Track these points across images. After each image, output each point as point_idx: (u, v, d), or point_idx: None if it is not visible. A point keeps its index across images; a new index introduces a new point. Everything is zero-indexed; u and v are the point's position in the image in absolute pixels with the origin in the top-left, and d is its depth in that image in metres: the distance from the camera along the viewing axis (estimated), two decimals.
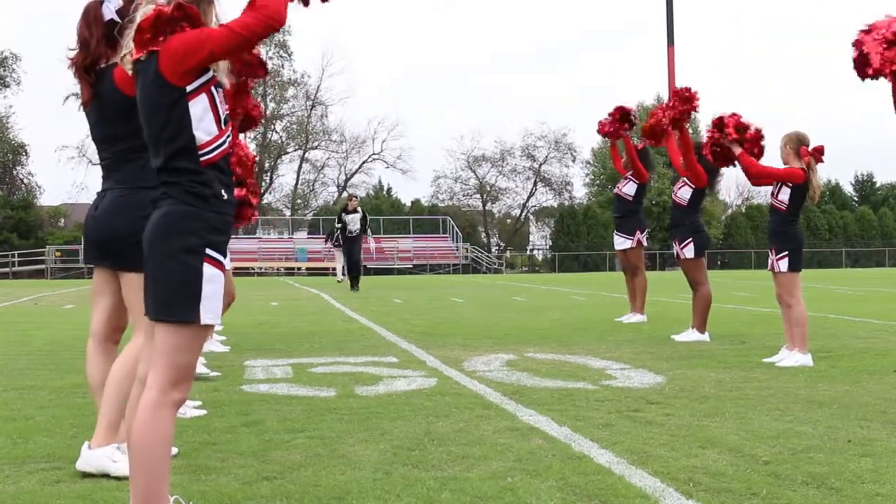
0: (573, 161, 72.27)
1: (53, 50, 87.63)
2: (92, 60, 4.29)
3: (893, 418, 5.41)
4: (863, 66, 5.26)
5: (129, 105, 4.08)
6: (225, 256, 3.22)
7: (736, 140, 8.02)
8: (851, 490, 3.85)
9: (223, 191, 3.19)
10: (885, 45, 5.16)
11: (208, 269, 3.13)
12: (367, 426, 5.28)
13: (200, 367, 7.07)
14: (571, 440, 4.85)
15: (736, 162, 8.16)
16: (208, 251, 3.13)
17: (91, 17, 4.33)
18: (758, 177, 8.06)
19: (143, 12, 3.19)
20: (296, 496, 3.83)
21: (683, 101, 9.47)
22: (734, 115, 8.16)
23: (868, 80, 5.32)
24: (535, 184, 72.86)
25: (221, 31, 3.08)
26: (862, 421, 5.33)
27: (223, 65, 3.31)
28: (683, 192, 10.11)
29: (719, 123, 8.13)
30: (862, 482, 3.96)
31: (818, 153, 7.90)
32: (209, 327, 3.22)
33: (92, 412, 5.70)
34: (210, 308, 3.15)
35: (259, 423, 5.37)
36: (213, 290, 3.15)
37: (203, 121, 3.16)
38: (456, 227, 60.29)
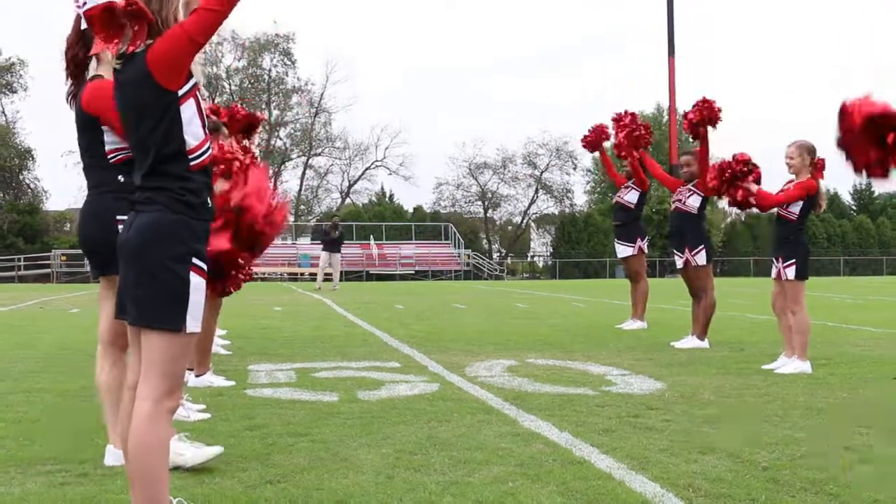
0: (574, 169, 72.41)
1: (60, 55, 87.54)
2: (74, 65, 4.53)
3: (891, 426, 5.46)
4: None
5: (89, 122, 4.41)
6: (207, 263, 3.27)
7: (748, 181, 8.17)
8: (849, 496, 3.89)
9: (209, 199, 3.25)
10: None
11: (194, 278, 3.18)
12: (370, 430, 5.32)
13: (218, 380, 7.12)
14: (572, 445, 4.89)
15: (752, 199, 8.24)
16: (195, 260, 3.18)
17: (77, 23, 4.40)
18: (780, 205, 8.08)
19: (88, 6, 3.25)
20: (299, 500, 3.87)
21: (707, 110, 9.56)
22: (737, 159, 8.27)
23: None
24: (536, 191, 72.86)
25: (193, 18, 3.11)
26: (860, 428, 5.36)
27: (199, 67, 3.34)
28: (693, 200, 10.12)
29: (728, 171, 8.25)
30: (860, 489, 4.00)
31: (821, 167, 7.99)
32: (195, 335, 3.25)
33: (97, 415, 5.77)
34: (195, 316, 3.19)
35: (262, 427, 5.41)
36: (197, 298, 3.19)
37: (192, 125, 3.21)
38: (458, 234, 60.33)
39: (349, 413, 5.88)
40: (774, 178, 8.41)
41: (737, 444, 4.92)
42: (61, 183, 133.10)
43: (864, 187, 79.01)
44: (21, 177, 62.17)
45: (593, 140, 12.95)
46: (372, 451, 4.77)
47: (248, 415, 5.83)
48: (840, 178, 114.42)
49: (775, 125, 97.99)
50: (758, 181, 8.21)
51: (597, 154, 13.54)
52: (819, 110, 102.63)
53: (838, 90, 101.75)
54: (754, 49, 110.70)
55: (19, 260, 51.59)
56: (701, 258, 10.00)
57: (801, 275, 8.00)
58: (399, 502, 3.85)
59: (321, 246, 29.80)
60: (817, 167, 7.96)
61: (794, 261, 7.99)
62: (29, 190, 62.50)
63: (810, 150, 7.98)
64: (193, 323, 3.17)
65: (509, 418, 5.70)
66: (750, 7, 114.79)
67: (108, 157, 4.42)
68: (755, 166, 8.23)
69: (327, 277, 29.60)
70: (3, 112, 62.51)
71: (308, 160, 71.45)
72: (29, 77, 63.01)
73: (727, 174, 8.23)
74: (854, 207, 78.91)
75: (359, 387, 7.00)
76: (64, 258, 51.86)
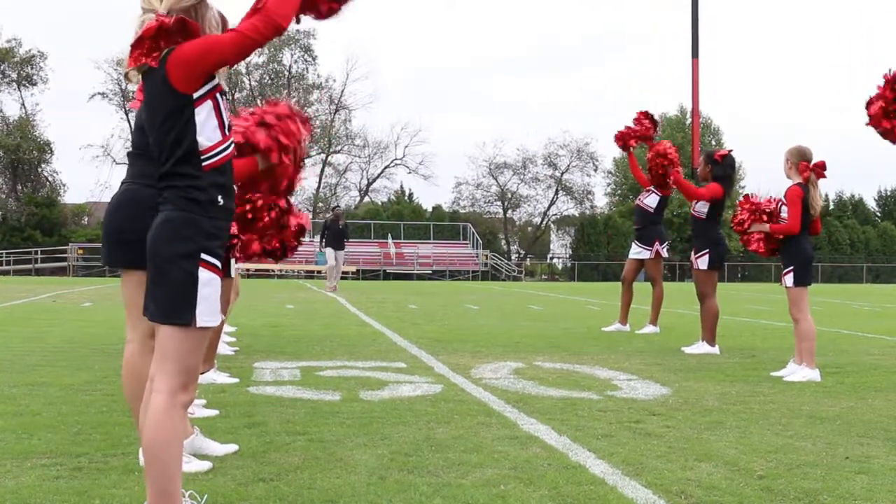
0: (595, 170, 72.23)
1: (79, 48, 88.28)
2: None
3: (895, 436, 5.39)
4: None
5: None
6: (221, 260, 3.29)
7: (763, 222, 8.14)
8: None
9: (220, 197, 3.27)
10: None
11: (204, 274, 3.23)
12: (368, 430, 5.31)
13: (222, 377, 7.13)
14: (569, 450, 4.86)
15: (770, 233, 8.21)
16: (203, 256, 3.22)
17: None
18: (796, 229, 7.97)
19: (142, 21, 3.27)
20: (289, 498, 3.87)
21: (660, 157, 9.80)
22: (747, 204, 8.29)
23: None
24: (556, 192, 72.75)
25: (230, 36, 3.16)
26: (863, 438, 5.32)
27: (223, 69, 3.38)
28: (701, 206, 10.08)
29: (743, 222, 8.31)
30: (854, 499, 3.96)
31: (819, 168, 7.89)
32: (209, 329, 3.29)
33: (97, 410, 5.81)
34: (206, 311, 3.24)
35: (261, 425, 5.41)
36: (209, 293, 3.24)
37: (206, 127, 3.26)
38: (476, 234, 60.30)
39: (349, 413, 5.87)
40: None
41: (735, 451, 4.88)
42: (79, 176, 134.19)
43: (889, 193, 78.39)
44: (40, 169, 62.66)
45: (625, 135, 12.85)
46: (367, 452, 4.76)
47: (248, 412, 5.84)
48: (865, 184, 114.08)
49: (797, 131, 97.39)
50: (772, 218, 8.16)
51: (618, 156, 13.65)
52: (844, 120, 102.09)
53: (864, 102, 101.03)
54: (776, 53, 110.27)
55: (36, 253, 51.96)
56: (703, 262, 9.95)
57: (800, 281, 7.94)
58: (389, 503, 3.83)
59: (324, 242, 26.24)
60: (810, 170, 7.88)
61: (791, 267, 7.94)
62: (47, 182, 62.98)
63: (795, 154, 7.96)
64: (205, 318, 3.23)
65: (509, 421, 5.68)
66: (760, 9, 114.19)
67: None
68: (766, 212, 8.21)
69: (342, 276, 26.98)
70: (23, 104, 63.07)
71: (327, 157, 71.62)
72: (49, 69, 63.65)
73: (741, 227, 8.28)
74: (879, 214, 78.24)
75: (362, 386, 7.00)
76: (81, 251, 52.23)
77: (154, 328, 3.34)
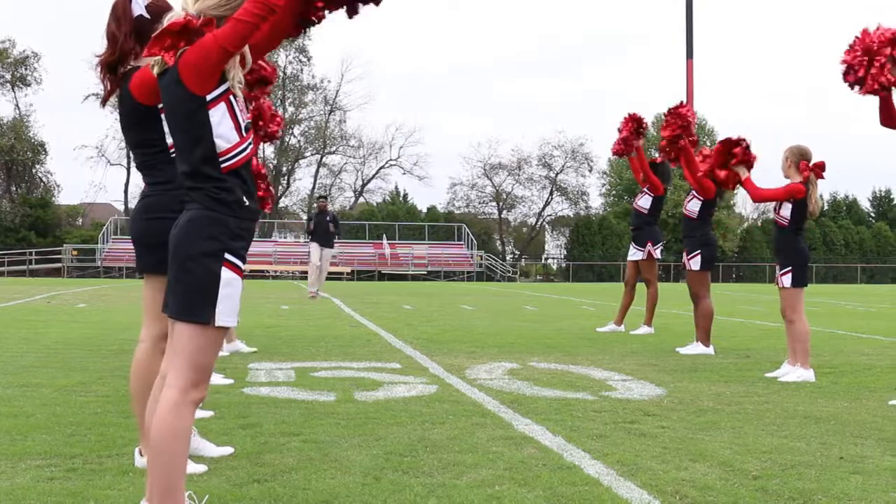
0: (590, 171, 72.27)
1: (73, 48, 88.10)
2: (120, 56, 4.22)
3: (888, 436, 5.40)
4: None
5: (143, 114, 4.14)
6: (244, 262, 3.31)
7: (743, 164, 8.14)
8: None
9: (245, 197, 3.29)
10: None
11: (226, 274, 3.24)
12: (363, 431, 5.31)
13: (216, 378, 7.11)
14: (564, 450, 4.86)
15: (740, 185, 8.24)
16: (227, 256, 3.24)
17: (119, 13, 4.25)
18: (763, 200, 8.09)
19: (170, 17, 3.26)
20: (283, 499, 3.87)
21: (677, 117, 9.67)
22: (740, 140, 8.24)
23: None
24: (551, 193, 72.76)
25: (225, 27, 3.17)
26: (857, 438, 5.32)
27: (238, 75, 3.35)
28: (693, 205, 10.10)
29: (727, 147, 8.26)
30: (849, 499, 3.96)
31: (819, 169, 7.88)
32: (226, 329, 3.30)
33: (92, 411, 5.80)
34: (226, 310, 3.25)
35: (256, 426, 5.41)
36: (229, 293, 3.25)
37: (222, 128, 3.25)
38: (471, 235, 60.31)
39: (344, 413, 5.87)
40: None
41: (730, 452, 4.88)
42: (73, 177, 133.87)
43: (883, 194, 78.60)
44: (34, 170, 62.60)
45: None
46: (362, 452, 4.76)
47: (243, 413, 5.83)
48: (859, 185, 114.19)
49: (793, 132, 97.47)
50: (750, 167, 8.20)
51: (613, 157, 13.44)
52: (839, 121, 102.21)
53: (858, 104, 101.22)
54: (771, 55, 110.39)
55: (31, 253, 51.90)
56: (695, 263, 9.96)
57: (798, 282, 7.94)
58: (383, 503, 3.83)
59: (310, 237, 22.10)
60: (809, 170, 7.88)
61: (789, 268, 7.93)
62: (41, 183, 62.92)
63: (795, 153, 7.93)
64: (224, 318, 3.24)
65: (504, 421, 5.68)
66: (757, 11, 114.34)
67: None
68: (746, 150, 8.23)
69: (331, 276, 23.61)
70: (17, 105, 62.99)
71: (322, 158, 71.60)
72: (43, 70, 63.63)
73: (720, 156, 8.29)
74: (873, 214, 78.45)
75: (357, 387, 6.99)
76: (75, 252, 52.16)
77: (168, 330, 3.35)
